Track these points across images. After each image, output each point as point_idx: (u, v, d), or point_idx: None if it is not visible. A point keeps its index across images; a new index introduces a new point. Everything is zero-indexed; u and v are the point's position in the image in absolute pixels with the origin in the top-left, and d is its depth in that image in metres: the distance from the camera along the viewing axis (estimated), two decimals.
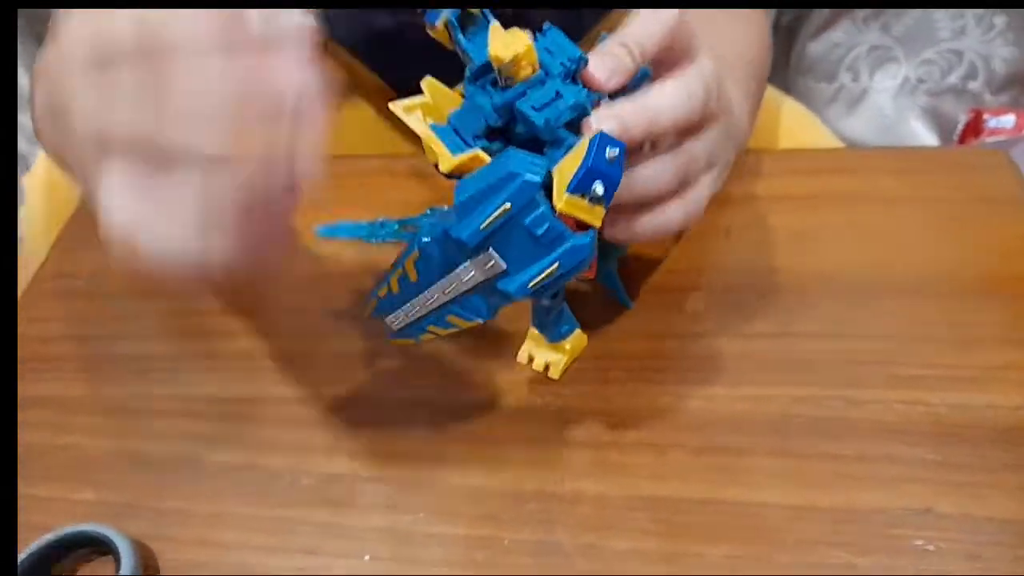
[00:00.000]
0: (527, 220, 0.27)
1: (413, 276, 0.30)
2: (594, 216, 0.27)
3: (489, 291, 0.29)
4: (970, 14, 1.15)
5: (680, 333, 0.39)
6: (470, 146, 0.31)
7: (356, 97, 0.72)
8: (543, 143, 0.30)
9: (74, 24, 0.26)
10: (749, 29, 0.48)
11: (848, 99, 1.29)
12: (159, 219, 0.24)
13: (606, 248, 0.37)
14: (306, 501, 0.34)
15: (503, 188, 0.27)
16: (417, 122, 0.32)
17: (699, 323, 0.39)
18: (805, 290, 0.40)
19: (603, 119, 0.29)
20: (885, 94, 1.26)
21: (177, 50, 0.23)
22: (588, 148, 0.27)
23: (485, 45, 0.30)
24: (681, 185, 0.33)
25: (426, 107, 0.32)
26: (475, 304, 0.30)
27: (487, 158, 0.29)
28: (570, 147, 0.28)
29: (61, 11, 0.28)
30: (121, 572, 0.32)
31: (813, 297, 0.39)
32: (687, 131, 0.33)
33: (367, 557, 0.33)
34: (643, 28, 0.32)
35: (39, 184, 0.55)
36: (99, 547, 0.33)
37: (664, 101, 0.31)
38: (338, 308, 0.42)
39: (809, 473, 0.33)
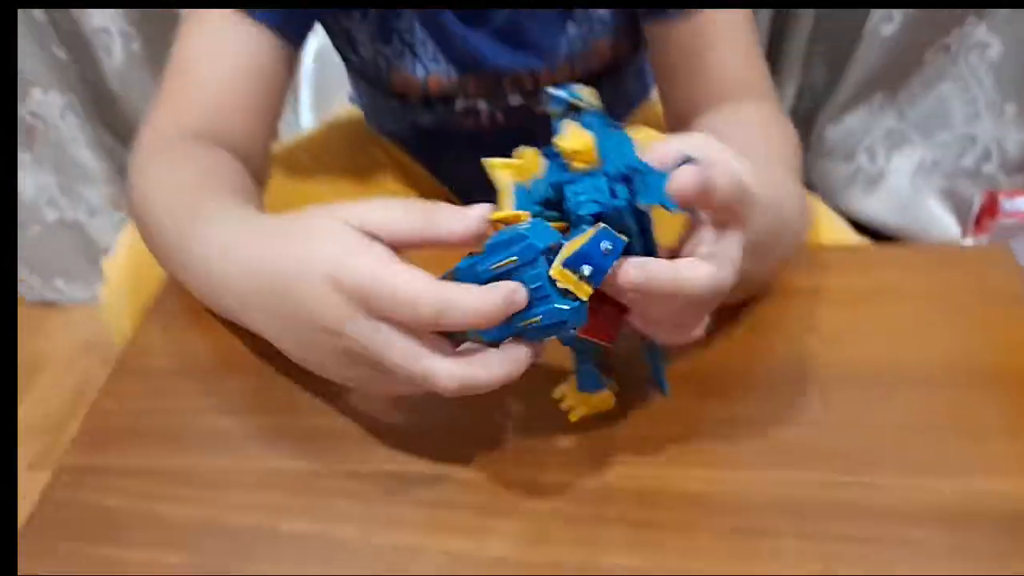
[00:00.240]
0: (526, 275, 0.33)
1: None
2: (580, 291, 0.33)
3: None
4: (982, 102, 1.19)
5: (712, 419, 0.43)
6: (530, 207, 0.36)
7: (404, 181, 0.78)
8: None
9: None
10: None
11: (866, 180, 1.32)
12: None
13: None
14: (369, 566, 0.38)
15: (516, 244, 0.33)
16: (502, 177, 0.38)
17: (729, 409, 0.43)
18: (828, 382, 0.44)
19: (631, 267, 0.33)
20: (902, 175, 1.30)
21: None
22: (590, 236, 0.32)
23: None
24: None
25: (518, 168, 0.38)
26: (493, 333, 0.35)
27: (527, 217, 0.35)
28: (583, 231, 0.33)
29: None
30: None
31: (835, 388, 0.43)
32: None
33: None
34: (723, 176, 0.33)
35: (120, 269, 0.61)
36: None
37: (695, 283, 0.33)
38: None
39: (829, 554, 0.36)
